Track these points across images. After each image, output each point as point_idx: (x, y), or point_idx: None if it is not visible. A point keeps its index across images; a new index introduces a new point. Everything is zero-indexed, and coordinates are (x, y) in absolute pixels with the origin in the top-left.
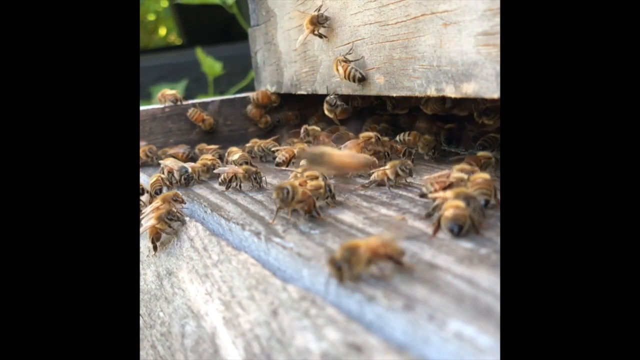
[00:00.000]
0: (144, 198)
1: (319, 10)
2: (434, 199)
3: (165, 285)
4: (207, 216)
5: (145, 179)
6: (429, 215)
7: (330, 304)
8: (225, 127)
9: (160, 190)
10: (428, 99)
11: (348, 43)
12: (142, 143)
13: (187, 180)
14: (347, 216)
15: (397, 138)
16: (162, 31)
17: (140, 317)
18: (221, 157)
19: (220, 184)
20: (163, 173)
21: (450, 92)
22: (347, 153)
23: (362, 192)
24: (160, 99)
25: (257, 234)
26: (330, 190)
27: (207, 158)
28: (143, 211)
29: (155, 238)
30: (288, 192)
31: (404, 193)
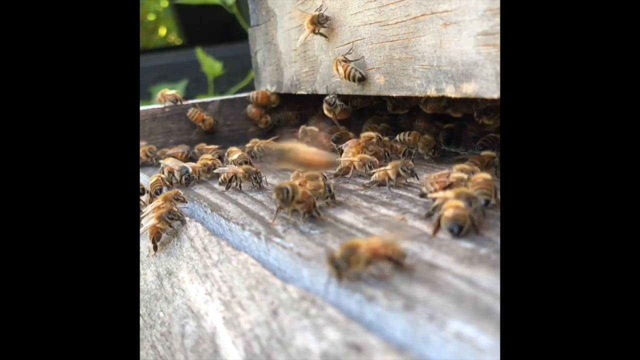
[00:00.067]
0: (144, 198)
1: (320, 10)
2: (434, 199)
3: (165, 285)
4: (207, 216)
5: (145, 179)
6: (429, 215)
7: (330, 304)
8: (225, 127)
9: (161, 190)
10: (428, 99)
11: (348, 43)
12: (142, 143)
13: (188, 180)
14: (347, 216)
15: (397, 138)
16: (162, 31)
17: (140, 317)
18: (221, 157)
19: (220, 184)
20: (163, 173)
21: (450, 92)
22: (313, 150)
23: (362, 192)
24: (160, 99)
25: (257, 234)
26: (330, 190)
27: (207, 158)
28: (143, 210)
29: (156, 238)
30: (288, 192)
31: (404, 193)
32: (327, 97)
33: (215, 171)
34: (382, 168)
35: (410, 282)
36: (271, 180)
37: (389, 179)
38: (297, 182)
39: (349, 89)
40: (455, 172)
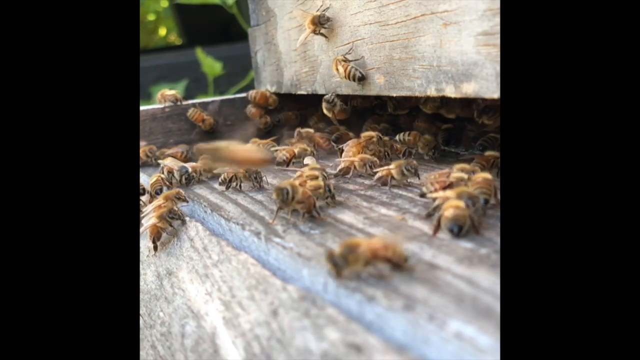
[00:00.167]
0: (144, 198)
1: (321, 10)
2: (434, 199)
3: (165, 285)
4: (207, 216)
5: (145, 179)
6: (429, 215)
7: (330, 304)
8: (225, 127)
9: (161, 190)
10: (427, 99)
11: (348, 43)
12: (142, 143)
13: (188, 180)
14: (347, 216)
15: (397, 138)
16: (162, 31)
17: (140, 317)
18: None
19: (220, 184)
20: (163, 173)
21: (450, 92)
22: (246, 147)
23: (362, 192)
24: (160, 99)
25: (257, 234)
26: (330, 190)
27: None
28: (144, 210)
29: (156, 237)
30: (288, 192)
31: (404, 193)
32: (326, 96)
33: (215, 171)
34: (386, 167)
35: (410, 282)
36: (271, 180)
37: (392, 177)
38: (297, 182)
39: (349, 88)
40: (456, 172)
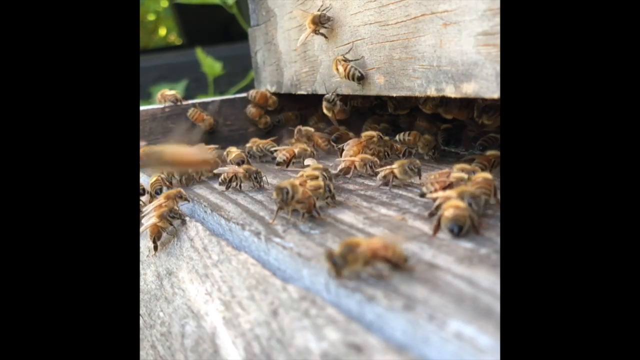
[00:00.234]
0: (144, 198)
1: (322, 10)
2: (435, 199)
3: (165, 285)
4: (207, 216)
5: (145, 179)
6: (432, 215)
7: (330, 304)
8: (225, 127)
9: (161, 190)
10: (426, 99)
11: (348, 43)
12: (142, 143)
13: (188, 180)
14: (347, 216)
15: (397, 138)
16: (162, 31)
17: (140, 317)
18: (219, 157)
19: (220, 184)
20: (163, 173)
21: (450, 92)
22: (185, 150)
23: (362, 192)
24: (160, 99)
25: (257, 234)
26: (330, 190)
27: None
28: (145, 209)
29: (157, 237)
30: (288, 192)
31: (404, 193)
32: (326, 95)
33: (215, 171)
34: (389, 167)
35: (410, 282)
36: (271, 180)
37: (395, 177)
38: (297, 182)
39: (349, 88)
40: (456, 172)
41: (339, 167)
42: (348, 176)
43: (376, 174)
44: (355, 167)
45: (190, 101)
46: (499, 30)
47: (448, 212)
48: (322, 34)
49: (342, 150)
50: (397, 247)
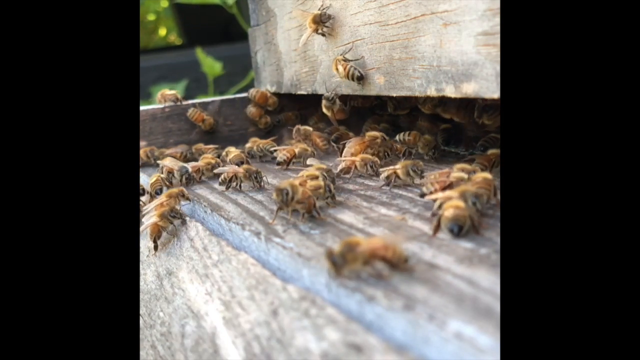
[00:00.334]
0: (144, 198)
1: (322, 9)
2: (435, 200)
3: (165, 285)
4: (207, 216)
5: (145, 179)
6: (434, 215)
7: (330, 304)
8: (225, 127)
9: (161, 190)
10: (426, 99)
11: (348, 43)
12: (142, 143)
13: (188, 180)
14: (347, 216)
15: (397, 138)
16: (162, 31)
17: (140, 317)
18: (219, 157)
19: (220, 184)
20: (162, 173)
21: (450, 92)
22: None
23: (362, 192)
24: (160, 99)
25: (257, 234)
26: (330, 190)
27: (209, 157)
28: (145, 207)
29: (157, 236)
30: (288, 193)
31: (404, 193)
32: (325, 94)
33: (215, 171)
34: (392, 167)
35: (410, 282)
36: (271, 180)
37: (398, 177)
38: (297, 182)
39: (349, 88)
40: (456, 172)
41: (340, 167)
42: (348, 176)
43: (377, 174)
44: (355, 167)
45: (190, 101)
46: (499, 30)
47: (448, 212)
48: (323, 33)
49: (343, 148)
50: (397, 247)
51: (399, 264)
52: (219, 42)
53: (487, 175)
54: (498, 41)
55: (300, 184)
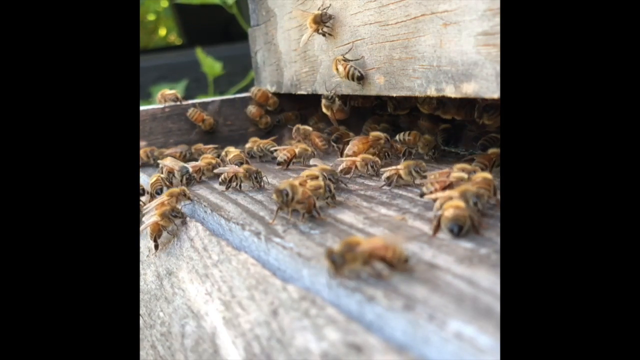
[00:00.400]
0: (144, 198)
1: (322, 9)
2: (435, 199)
3: (165, 285)
4: (207, 216)
5: (146, 179)
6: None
7: (330, 304)
8: (225, 127)
9: (161, 190)
10: (424, 100)
11: (348, 43)
12: (142, 143)
13: (188, 180)
14: (347, 216)
15: (397, 138)
16: (162, 31)
17: (140, 317)
18: (219, 157)
19: (220, 184)
20: (162, 173)
21: (450, 92)
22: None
23: (362, 192)
24: (160, 99)
25: (257, 234)
26: (330, 190)
27: (210, 157)
28: (146, 206)
29: (157, 235)
30: (287, 194)
31: (404, 193)
32: (325, 93)
33: (215, 171)
34: (394, 167)
35: (410, 282)
36: (271, 180)
37: (400, 177)
38: (296, 183)
39: (349, 88)
40: (456, 171)
41: (340, 167)
42: (348, 176)
43: (377, 174)
44: (356, 167)
45: (190, 101)
46: (499, 30)
47: (448, 212)
48: (324, 33)
49: (344, 148)
50: (397, 247)
51: (398, 264)
52: (219, 42)
53: (487, 175)
54: (498, 41)
55: (300, 184)
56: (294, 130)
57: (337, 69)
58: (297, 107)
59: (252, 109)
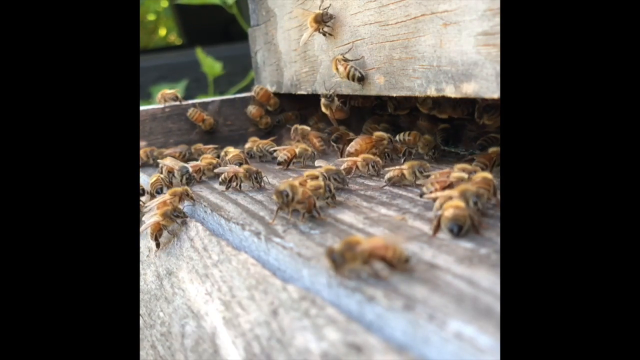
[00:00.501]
0: (144, 198)
1: (322, 8)
2: (434, 199)
3: (165, 285)
4: (207, 216)
5: (146, 179)
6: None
7: (330, 304)
8: (225, 127)
9: (161, 190)
10: (423, 100)
11: (348, 43)
12: (142, 143)
13: (188, 180)
14: (347, 216)
15: (397, 138)
16: (162, 31)
17: (140, 317)
18: (219, 157)
19: (220, 184)
20: (162, 173)
21: (450, 92)
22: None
23: (362, 192)
24: (160, 99)
25: (257, 234)
26: (330, 190)
27: (210, 157)
28: (147, 206)
29: (158, 235)
30: (287, 195)
31: (404, 193)
32: (323, 92)
33: (215, 171)
34: (398, 167)
35: (410, 282)
36: (271, 180)
37: (404, 177)
38: (296, 183)
39: (349, 88)
40: (456, 171)
41: (341, 167)
42: (349, 176)
43: (378, 174)
44: (357, 167)
45: (190, 101)
46: (499, 30)
47: (448, 212)
48: (325, 33)
49: (344, 148)
50: (397, 247)
51: (398, 264)
52: (219, 42)
53: (487, 174)
54: (498, 41)
55: (301, 184)
56: (292, 130)
57: (337, 69)
58: (297, 107)
59: (252, 109)
